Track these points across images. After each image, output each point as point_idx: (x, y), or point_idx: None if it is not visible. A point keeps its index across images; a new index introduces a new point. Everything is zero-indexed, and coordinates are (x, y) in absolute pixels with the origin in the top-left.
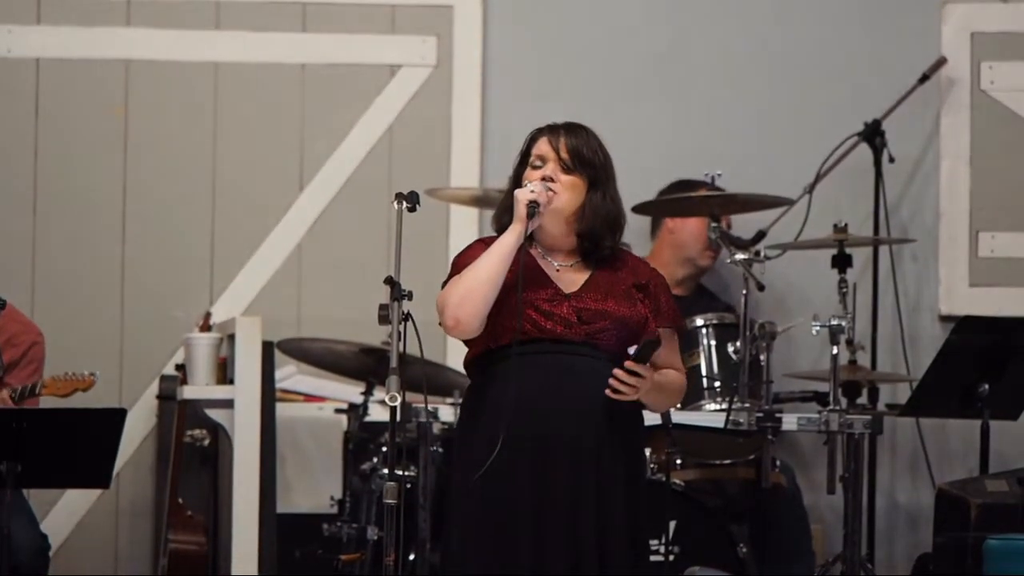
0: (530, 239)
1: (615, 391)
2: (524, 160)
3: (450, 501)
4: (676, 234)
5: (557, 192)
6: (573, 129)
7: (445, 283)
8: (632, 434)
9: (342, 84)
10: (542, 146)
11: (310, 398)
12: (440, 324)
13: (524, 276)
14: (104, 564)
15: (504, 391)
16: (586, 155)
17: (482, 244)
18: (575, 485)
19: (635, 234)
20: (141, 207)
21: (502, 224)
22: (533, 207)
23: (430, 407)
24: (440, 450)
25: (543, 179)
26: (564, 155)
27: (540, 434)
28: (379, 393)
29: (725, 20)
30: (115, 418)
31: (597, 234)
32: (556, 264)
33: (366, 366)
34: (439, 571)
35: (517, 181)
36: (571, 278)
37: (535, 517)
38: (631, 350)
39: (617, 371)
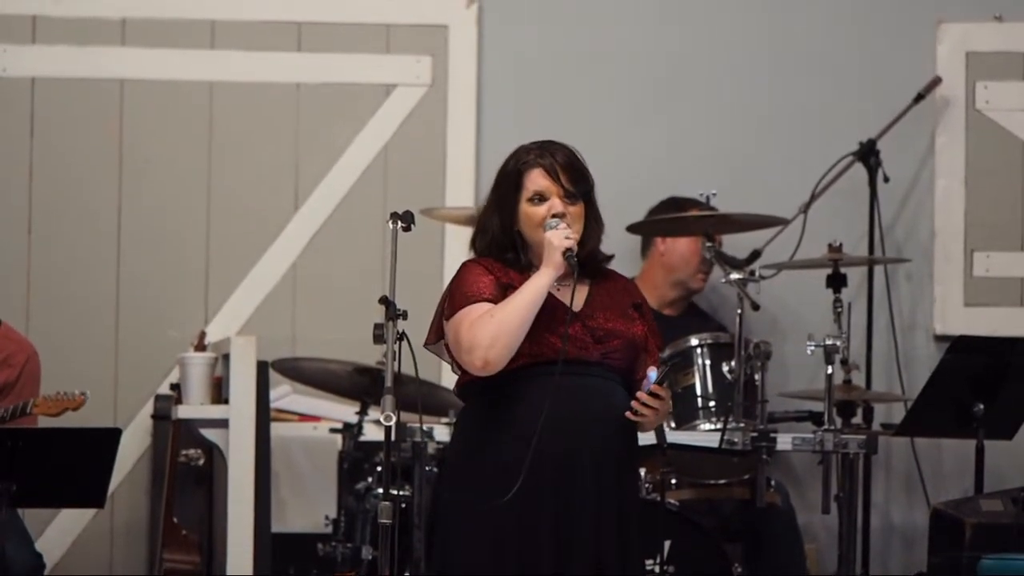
0: (529, 262)
1: (636, 413)
2: (515, 189)
3: (444, 522)
4: (667, 256)
5: (570, 227)
6: (560, 152)
7: (451, 309)
8: (636, 453)
9: (337, 103)
10: (539, 180)
11: (305, 418)
12: (457, 360)
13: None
14: None
15: (525, 414)
16: (582, 175)
17: (480, 267)
18: (598, 506)
19: (627, 253)
20: (136, 226)
21: (480, 249)
22: (571, 255)
23: (425, 427)
24: (434, 470)
25: (555, 216)
26: (567, 184)
27: (563, 456)
28: (374, 413)
29: (719, 40)
30: (110, 438)
31: (597, 252)
32: (557, 283)
33: (360, 386)
34: None
35: (507, 210)
36: (575, 296)
37: (558, 538)
38: (651, 374)
39: (641, 395)
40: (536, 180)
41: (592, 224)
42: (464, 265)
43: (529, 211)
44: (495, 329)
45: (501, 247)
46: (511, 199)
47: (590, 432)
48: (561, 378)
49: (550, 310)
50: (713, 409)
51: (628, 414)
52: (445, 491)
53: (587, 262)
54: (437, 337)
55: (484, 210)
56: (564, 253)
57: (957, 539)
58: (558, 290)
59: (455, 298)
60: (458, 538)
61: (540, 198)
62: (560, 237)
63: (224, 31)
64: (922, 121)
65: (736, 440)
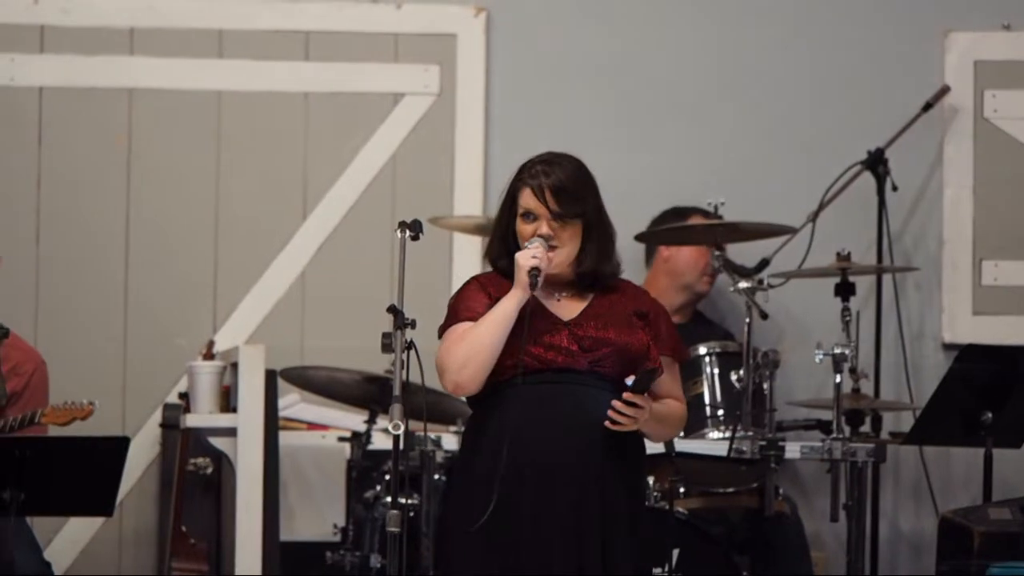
0: None
1: (613, 422)
2: (512, 206)
3: (448, 527)
4: (671, 262)
5: (559, 247)
6: (553, 169)
7: (443, 328)
8: (635, 462)
9: (345, 112)
10: (528, 199)
11: (313, 426)
12: (440, 379)
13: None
14: None
15: (504, 423)
16: (574, 195)
17: (477, 284)
18: (579, 515)
19: (630, 262)
20: (144, 235)
21: (493, 259)
22: (535, 274)
23: (433, 435)
24: (443, 478)
25: (542, 236)
26: (553, 207)
27: (543, 465)
28: (382, 421)
29: (728, 48)
30: (118, 446)
31: (597, 269)
32: (557, 295)
33: (369, 394)
34: None
35: (505, 224)
36: (571, 306)
37: (539, 548)
38: (629, 380)
39: (615, 402)
40: (527, 199)
41: (592, 242)
42: (464, 283)
43: (521, 228)
44: (465, 352)
45: (501, 257)
46: (507, 214)
47: (571, 440)
48: (547, 387)
49: (537, 319)
50: (721, 418)
51: (607, 423)
52: (446, 499)
53: (587, 279)
54: None
55: (495, 220)
56: (529, 272)
57: (965, 547)
58: (558, 301)
59: (446, 318)
60: (456, 549)
61: (532, 216)
62: (527, 257)
63: (232, 40)
64: (930, 130)
65: (744, 449)
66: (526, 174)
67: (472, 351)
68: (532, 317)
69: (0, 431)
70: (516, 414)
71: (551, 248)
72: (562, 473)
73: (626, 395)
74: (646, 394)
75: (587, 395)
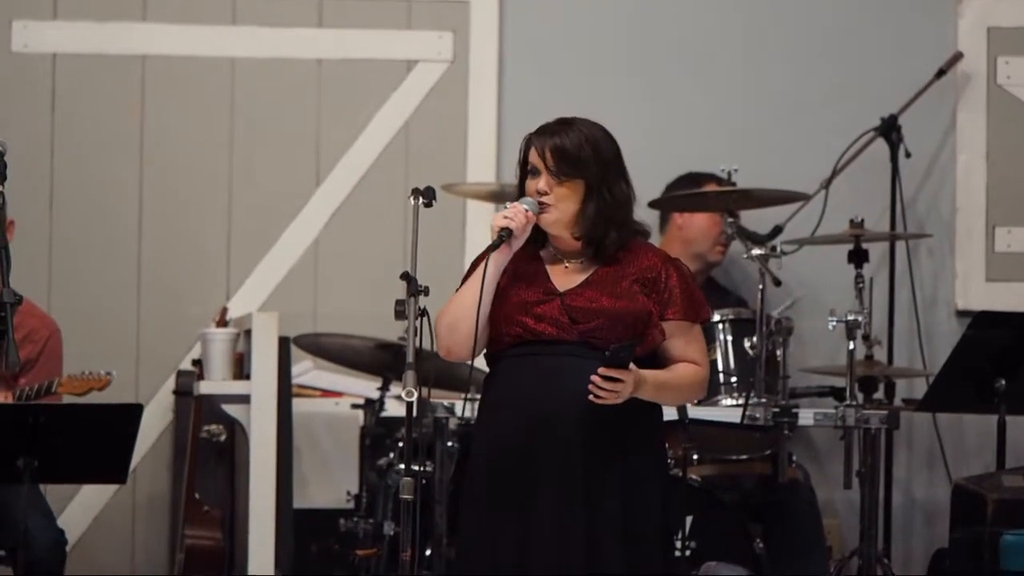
0: (544, 241)
1: (596, 396)
2: (524, 166)
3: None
4: (684, 230)
5: (551, 205)
6: (560, 130)
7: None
8: (629, 431)
9: (358, 79)
10: (533, 155)
11: (326, 393)
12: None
13: (518, 278)
14: (121, 559)
15: (497, 393)
16: (575, 156)
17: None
18: (562, 486)
19: None
20: (157, 202)
21: None
22: (503, 235)
23: (446, 403)
24: (456, 446)
25: (537, 192)
26: (551, 164)
27: (526, 436)
28: (395, 388)
29: (742, 15)
30: (132, 413)
31: (598, 235)
32: (566, 263)
33: (382, 361)
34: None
35: (521, 188)
36: (574, 276)
37: (522, 519)
38: (607, 353)
39: (594, 376)
40: (532, 156)
41: (591, 204)
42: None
43: (527, 185)
44: (451, 316)
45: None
46: (522, 177)
47: (552, 411)
48: (533, 359)
49: (529, 288)
50: (735, 384)
51: (590, 396)
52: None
53: (591, 245)
54: None
55: None
56: (498, 232)
57: (979, 515)
58: (566, 268)
59: (465, 274)
60: (461, 522)
61: (536, 172)
62: (499, 217)
63: (245, 7)
64: (943, 96)
65: (758, 415)
66: (533, 135)
67: (456, 315)
68: (525, 285)
69: (16, 400)
70: (506, 385)
71: (543, 206)
72: (547, 449)
73: (601, 370)
74: (632, 365)
75: (572, 366)
